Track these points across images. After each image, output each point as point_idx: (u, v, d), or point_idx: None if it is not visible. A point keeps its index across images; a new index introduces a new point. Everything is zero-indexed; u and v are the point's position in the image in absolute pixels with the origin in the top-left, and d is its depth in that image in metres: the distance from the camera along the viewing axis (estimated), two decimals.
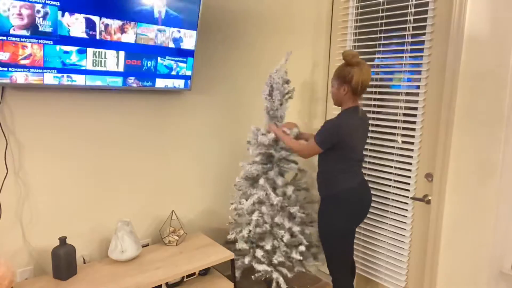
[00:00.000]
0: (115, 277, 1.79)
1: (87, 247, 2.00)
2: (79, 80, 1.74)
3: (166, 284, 1.99)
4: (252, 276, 2.19)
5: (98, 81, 1.79)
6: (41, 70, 1.62)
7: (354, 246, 2.43)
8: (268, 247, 2.13)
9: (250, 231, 2.14)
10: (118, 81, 1.85)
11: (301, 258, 2.14)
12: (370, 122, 2.29)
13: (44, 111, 1.78)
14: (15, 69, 1.56)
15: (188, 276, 2.09)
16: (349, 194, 1.90)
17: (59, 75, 1.67)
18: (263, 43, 2.63)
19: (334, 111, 2.51)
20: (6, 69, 1.54)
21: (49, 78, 1.65)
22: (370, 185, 2.32)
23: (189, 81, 2.14)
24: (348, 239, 1.97)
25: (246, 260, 2.19)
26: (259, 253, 2.13)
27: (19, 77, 1.58)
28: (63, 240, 1.77)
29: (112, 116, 2.01)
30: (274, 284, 2.16)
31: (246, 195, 2.23)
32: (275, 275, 2.15)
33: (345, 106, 1.90)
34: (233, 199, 2.28)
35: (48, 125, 1.80)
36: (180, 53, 2.04)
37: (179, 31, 1.99)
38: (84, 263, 1.96)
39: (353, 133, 1.85)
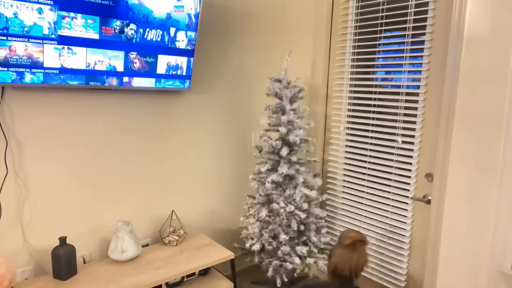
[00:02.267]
0: (115, 277, 1.79)
1: (87, 247, 2.00)
2: (80, 52, 1.71)
3: (166, 284, 1.99)
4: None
5: (99, 55, 1.77)
6: (41, 41, 1.60)
7: None
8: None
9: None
10: (119, 55, 1.83)
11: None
12: (370, 122, 2.29)
13: (44, 111, 1.78)
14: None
15: (188, 276, 2.09)
16: None
17: (60, 46, 1.65)
18: (263, 42, 2.64)
19: (334, 111, 2.51)
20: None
21: (49, 49, 1.63)
22: (370, 185, 2.32)
23: (189, 81, 2.15)
24: None
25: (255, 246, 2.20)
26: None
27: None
28: (63, 240, 1.77)
29: (112, 116, 2.01)
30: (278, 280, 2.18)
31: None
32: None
33: None
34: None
35: (48, 125, 1.80)
36: (180, 52, 2.04)
37: (180, 31, 1.99)
38: (84, 263, 1.96)
39: None
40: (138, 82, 1.94)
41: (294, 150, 2.21)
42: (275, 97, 2.21)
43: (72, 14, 1.63)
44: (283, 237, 2.11)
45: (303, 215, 2.12)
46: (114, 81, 1.86)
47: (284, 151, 2.13)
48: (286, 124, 2.15)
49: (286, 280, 2.20)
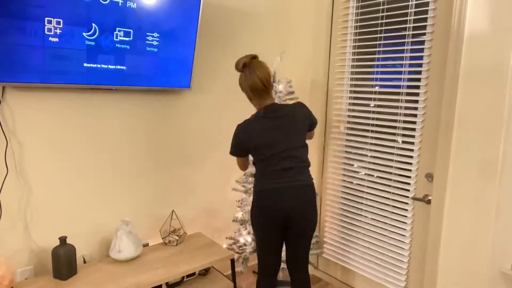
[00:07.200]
0: (115, 277, 1.79)
1: (87, 247, 2.00)
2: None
3: (166, 284, 2.00)
4: None
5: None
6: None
7: (354, 246, 2.43)
8: None
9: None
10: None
11: None
12: (370, 122, 2.29)
13: (45, 111, 1.78)
14: None
15: (188, 276, 2.09)
16: (260, 197, 1.80)
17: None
18: (263, 42, 2.64)
19: (334, 111, 2.51)
20: None
21: None
22: (370, 185, 2.32)
23: (189, 80, 2.15)
24: (264, 244, 1.84)
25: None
26: None
27: None
28: (63, 240, 1.77)
29: (112, 116, 2.01)
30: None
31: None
32: None
33: (257, 109, 1.86)
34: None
35: (49, 125, 1.80)
36: (181, 52, 2.04)
37: (180, 30, 1.99)
38: (84, 263, 1.96)
39: (255, 137, 1.77)
40: None
41: None
42: None
43: None
44: None
45: None
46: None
47: None
48: None
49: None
